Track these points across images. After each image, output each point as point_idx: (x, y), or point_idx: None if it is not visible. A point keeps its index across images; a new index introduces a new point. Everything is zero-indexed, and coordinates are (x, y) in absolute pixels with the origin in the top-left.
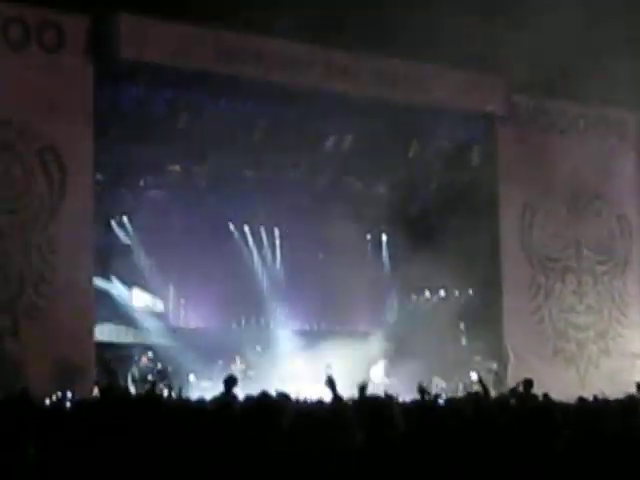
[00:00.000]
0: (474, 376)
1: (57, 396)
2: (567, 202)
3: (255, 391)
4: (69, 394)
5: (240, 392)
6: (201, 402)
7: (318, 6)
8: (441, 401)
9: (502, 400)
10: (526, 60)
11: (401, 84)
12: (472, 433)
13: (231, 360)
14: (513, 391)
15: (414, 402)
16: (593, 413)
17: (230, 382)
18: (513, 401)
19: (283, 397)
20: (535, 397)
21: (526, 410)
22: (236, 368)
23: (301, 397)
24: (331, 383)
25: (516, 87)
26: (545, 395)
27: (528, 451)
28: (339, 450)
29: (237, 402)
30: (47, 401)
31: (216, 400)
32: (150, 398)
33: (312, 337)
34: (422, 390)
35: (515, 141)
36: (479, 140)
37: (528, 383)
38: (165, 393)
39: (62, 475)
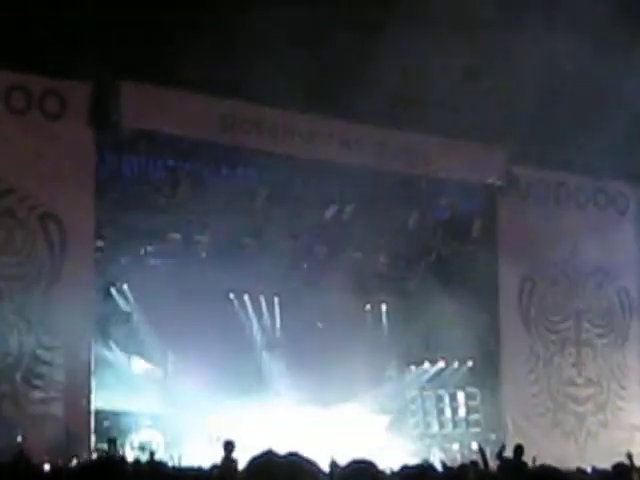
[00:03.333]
0: (474, 446)
1: (56, 462)
2: (567, 274)
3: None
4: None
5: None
6: (201, 470)
7: (321, 77)
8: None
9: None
10: (526, 131)
11: (402, 155)
12: None
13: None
14: (500, 454)
15: (412, 468)
16: None
17: (229, 447)
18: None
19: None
20: (525, 464)
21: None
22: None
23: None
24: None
25: (516, 158)
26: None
27: None
28: None
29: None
30: (46, 466)
31: (219, 466)
32: (151, 467)
33: (310, 407)
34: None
35: (515, 213)
36: (479, 211)
37: (519, 449)
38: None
39: None
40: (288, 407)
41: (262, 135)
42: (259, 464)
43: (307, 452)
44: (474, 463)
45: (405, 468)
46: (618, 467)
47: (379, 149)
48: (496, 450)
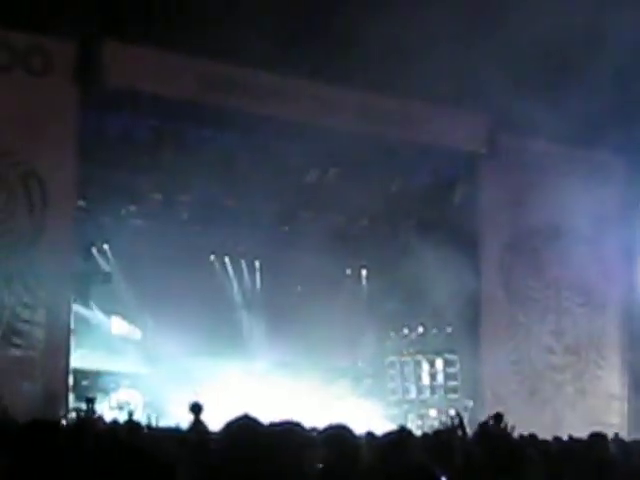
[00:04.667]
0: (452, 412)
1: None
2: (548, 242)
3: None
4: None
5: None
6: (178, 430)
7: (305, 39)
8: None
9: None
10: (510, 98)
11: (385, 119)
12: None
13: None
14: (483, 426)
15: (386, 436)
16: (567, 449)
17: (195, 409)
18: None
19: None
20: (505, 431)
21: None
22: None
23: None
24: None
25: (499, 126)
26: (521, 436)
27: None
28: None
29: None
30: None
31: (190, 430)
32: (128, 428)
33: (289, 370)
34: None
35: (497, 180)
36: (461, 178)
37: (498, 417)
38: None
39: None
40: (266, 370)
41: (245, 96)
42: (236, 428)
43: (284, 415)
44: (451, 429)
45: (387, 435)
46: (594, 436)
47: (362, 112)
48: (473, 416)
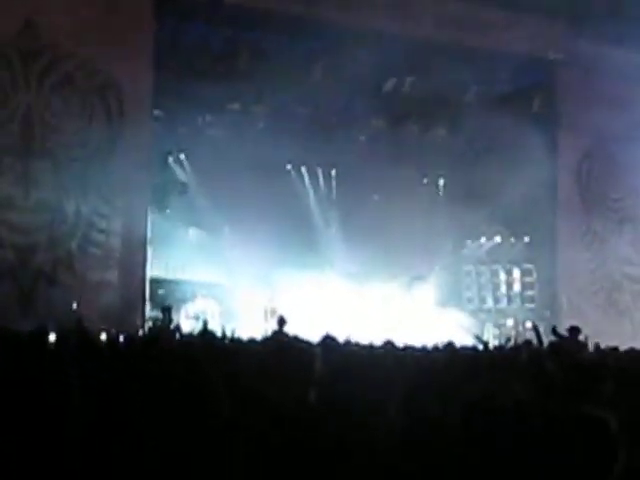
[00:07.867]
0: (529, 324)
1: (110, 331)
2: (627, 151)
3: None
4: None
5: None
6: (255, 342)
7: None
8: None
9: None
10: (589, 5)
11: (464, 28)
12: (524, 380)
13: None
14: (555, 333)
15: (463, 349)
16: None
17: (281, 322)
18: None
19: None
20: (583, 344)
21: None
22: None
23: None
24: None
25: (578, 33)
26: (597, 347)
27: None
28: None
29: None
30: (102, 336)
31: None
32: (203, 340)
33: (365, 279)
34: (478, 338)
35: (577, 87)
36: (540, 86)
37: (573, 330)
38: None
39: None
40: (343, 279)
41: (322, 5)
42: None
43: (362, 327)
44: (528, 342)
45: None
46: None
47: (440, 20)
48: (550, 327)
